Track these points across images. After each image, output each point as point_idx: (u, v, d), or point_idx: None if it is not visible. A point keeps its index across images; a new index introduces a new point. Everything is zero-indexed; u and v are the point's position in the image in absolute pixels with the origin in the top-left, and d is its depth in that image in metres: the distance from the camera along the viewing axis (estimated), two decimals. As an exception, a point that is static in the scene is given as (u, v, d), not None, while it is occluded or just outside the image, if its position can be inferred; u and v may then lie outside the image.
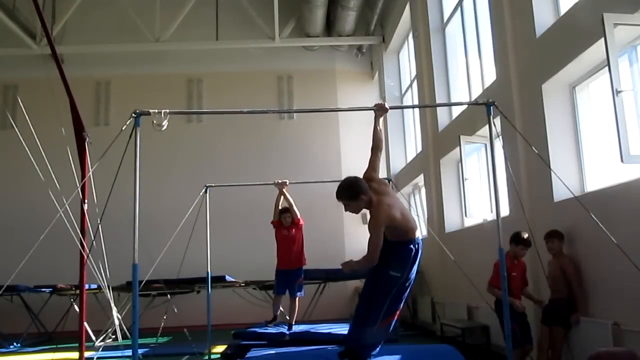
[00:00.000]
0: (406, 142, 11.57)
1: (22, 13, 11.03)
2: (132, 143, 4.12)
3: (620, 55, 4.32)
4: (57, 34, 11.37)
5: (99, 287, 7.16)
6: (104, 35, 12.12)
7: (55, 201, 5.92)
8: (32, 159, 6.77)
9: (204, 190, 7.05)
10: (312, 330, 7.09)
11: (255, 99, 12.31)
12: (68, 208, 5.10)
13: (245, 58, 12.52)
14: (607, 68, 4.18)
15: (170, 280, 8.07)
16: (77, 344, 5.50)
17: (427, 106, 9.30)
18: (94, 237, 5.30)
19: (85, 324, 5.70)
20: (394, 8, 11.11)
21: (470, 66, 8.11)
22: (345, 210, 4.02)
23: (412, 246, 4.07)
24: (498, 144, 5.04)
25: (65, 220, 5.50)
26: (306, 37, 12.27)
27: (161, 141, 10.77)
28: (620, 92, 4.03)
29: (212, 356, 6.91)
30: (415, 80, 10.26)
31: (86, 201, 5.55)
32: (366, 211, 4.10)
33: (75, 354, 5.61)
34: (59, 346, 7.97)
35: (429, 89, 8.98)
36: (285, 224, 7.09)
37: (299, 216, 7.08)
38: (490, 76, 6.93)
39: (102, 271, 6.72)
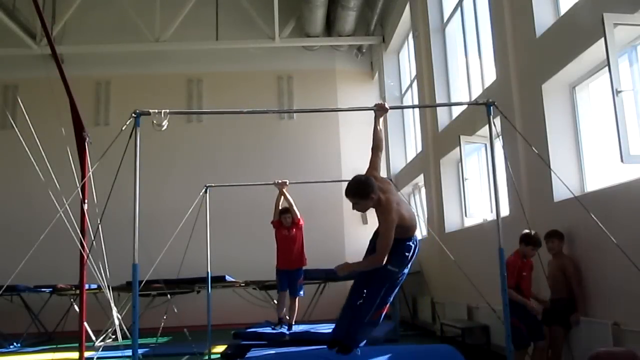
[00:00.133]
0: (406, 142, 11.57)
1: (22, 13, 11.03)
2: (132, 143, 4.12)
3: (620, 55, 4.32)
4: (57, 34, 11.37)
5: (99, 287, 7.17)
6: (104, 35, 12.12)
7: (55, 201, 5.93)
8: (32, 159, 6.78)
9: (204, 190, 7.05)
10: (312, 330, 7.08)
11: (255, 99, 12.31)
12: (68, 208, 5.11)
13: (245, 58, 12.52)
14: (607, 68, 4.18)
15: (170, 280, 8.08)
16: (77, 344, 5.50)
17: (427, 106, 9.30)
18: (94, 237, 5.30)
19: (85, 324, 5.71)
20: (394, 8, 11.11)
21: (470, 66, 8.11)
22: (353, 208, 4.01)
23: (411, 243, 4.10)
24: (498, 144, 5.04)
25: (65, 220, 5.51)
26: (306, 37, 12.27)
27: (161, 141, 10.76)
28: (620, 92, 4.03)
29: (212, 356, 6.91)
30: (415, 80, 10.26)
31: (86, 201, 5.55)
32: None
33: (75, 354, 5.61)
34: (59, 346, 7.96)
35: (429, 89, 8.98)
36: (286, 224, 7.09)
37: (299, 216, 7.08)
38: (490, 76, 6.93)
39: (102, 271, 6.72)
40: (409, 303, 9.82)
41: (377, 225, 3.99)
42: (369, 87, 12.92)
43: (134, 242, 4.00)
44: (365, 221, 11.29)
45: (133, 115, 4.14)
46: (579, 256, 4.97)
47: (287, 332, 6.83)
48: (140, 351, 5.03)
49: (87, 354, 5.77)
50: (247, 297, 9.98)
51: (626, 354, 3.72)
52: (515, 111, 5.91)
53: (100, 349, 6.47)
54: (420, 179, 10.00)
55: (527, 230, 5.03)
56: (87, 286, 6.41)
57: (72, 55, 11.77)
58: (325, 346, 6.29)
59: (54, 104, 6.26)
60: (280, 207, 7.14)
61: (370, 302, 4.08)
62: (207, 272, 7.29)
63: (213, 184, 7.26)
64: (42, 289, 9.65)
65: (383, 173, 6.69)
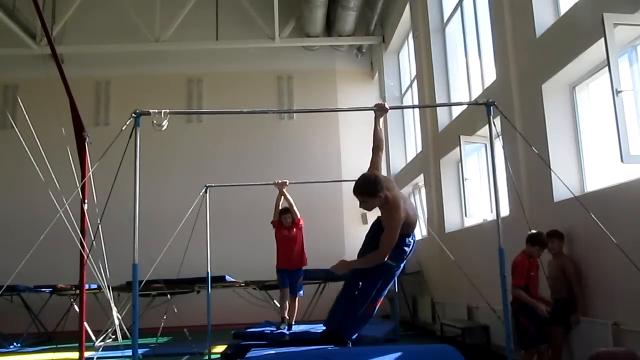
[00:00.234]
0: (406, 142, 11.57)
1: (22, 13, 11.03)
2: (132, 143, 4.12)
3: (620, 55, 4.32)
4: (57, 34, 11.37)
5: (99, 287, 7.17)
6: (104, 35, 12.12)
7: (55, 201, 5.93)
8: (32, 159, 6.77)
9: (204, 190, 7.04)
10: (312, 330, 7.07)
11: (255, 99, 12.31)
12: (68, 208, 5.10)
13: (245, 58, 12.52)
14: (607, 68, 4.18)
15: (170, 280, 8.07)
16: (77, 344, 5.50)
17: (427, 106, 9.30)
18: (94, 237, 5.30)
19: (85, 324, 5.71)
20: (394, 8, 11.11)
21: (470, 66, 8.11)
22: (360, 206, 4.04)
23: (410, 239, 4.19)
24: (498, 144, 5.04)
25: (65, 220, 5.50)
26: (306, 37, 12.27)
27: (161, 141, 10.77)
28: (620, 92, 4.03)
29: (212, 356, 6.90)
30: (415, 80, 10.26)
31: (86, 201, 5.55)
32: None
33: (75, 354, 5.61)
34: (59, 346, 7.95)
35: (429, 89, 8.98)
36: (286, 224, 7.08)
37: (299, 216, 7.08)
38: (490, 76, 6.93)
39: (102, 271, 6.72)
40: (409, 303, 9.82)
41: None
42: (369, 87, 12.92)
43: (134, 242, 3.99)
44: (365, 221, 11.28)
45: (133, 115, 4.14)
46: (579, 256, 4.97)
47: (287, 332, 6.83)
48: (140, 351, 5.03)
49: (87, 354, 5.77)
50: (247, 297, 9.98)
51: (626, 354, 3.71)
52: (515, 111, 5.91)
53: (100, 349, 6.47)
54: (420, 179, 10.00)
55: (534, 231, 5.01)
56: (87, 286, 6.41)
57: (72, 55, 11.77)
58: (325, 346, 6.33)
59: (54, 104, 6.26)
60: (280, 207, 7.13)
61: (365, 295, 4.12)
62: (207, 272, 7.29)
63: (213, 184, 7.26)
64: (42, 289, 9.65)
65: (383, 173, 6.68)
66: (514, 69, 6.09)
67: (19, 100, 9.62)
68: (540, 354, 5.04)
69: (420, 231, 10.14)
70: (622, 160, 4.02)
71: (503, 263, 4.14)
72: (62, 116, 5.91)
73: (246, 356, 5.52)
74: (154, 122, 4.17)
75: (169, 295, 7.67)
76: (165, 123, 4.17)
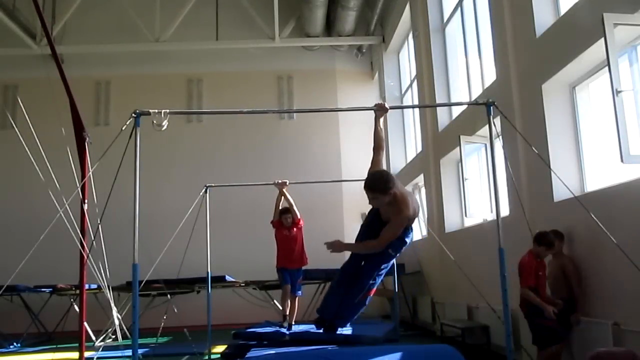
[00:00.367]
0: (406, 142, 11.57)
1: (22, 13, 11.03)
2: (132, 143, 4.11)
3: (620, 55, 4.32)
4: (57, 34, 11.37)
5: (99, 287, 7.16)
6: (104, 35, 12.13)
7: (55, 201, 5.93)
8: (32, 159, 6.77)
9: (204, 190, 7.04)
10: (312, 330, 7.07)
11: (255, 99, 12.31)
12: (68, 208, 5.10)
13: (245, 58, 12.52)
14: (607, 68, 4.18)
15: (170, 280, 8.07)
16: (77, 344, 5.50)
17: (427, 106, 9.30)
18: (94, 237, 5.30)
19: (85, 324, 5.71)
20: (394, 8, 11.11)
21: (470, 66, 8.11)
22: (370, 203, 4.07)
23: (410, 230, 4.26)
24: (498, 144, 5.04)
25: (65, 220, 5.50)
26: (306, 37, 12.27)
27: (161, 141, 10.77)
28: (620, 92, 4.03)
29: (212, 356, 6.90)
30: (415, 80, 10.27)
31: (86, 201, 5.55)
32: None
33: (75, 354, 5.61)
34: (59, 346, 7.95)
35: (429, 89, 8.98)
36: (286, 224, 7.09)
37: (299, 216, 7.08)
38: (490, 76, 6.94)
39: (102, 271, 6.72)
40: (409, 303, 9.82)
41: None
42: (369, 87, 12.92)
43: (134, 242, 3.99)
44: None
45: (133, 115, 4.13)
46: (579, 256, 4.97)
47: (287, 332, 6.83)
48: (140, 351, 5.04)
49: (87, 354, 5.77)
50: (247, 297, 9.98)
51: (626, 354, 3.71)
52: (515, 111, 5.92)
53: (100, 349, 6.47)
54: (420, 179, 10.00)
55: (541, 230, 4.98)
56: (87, 286, 6.41)
57: (72, 55, 11.77)
58: (325, 346, 6.33)
59: (54, 104, 6.26)
60: (280, 207, 7.14)
61: (364, 283, 4.20)
62: (207, 272, 7.29)
63: (213, 184, 7.26)
64: (42, 289, 9.65)
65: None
66: (514, 69, 6.09)
67: (19, 100, 9.62)
68: (557, 352, 5.01)
69: (420, 231, 10.15)
70: (622, 160, 4.02)
71: (503, 263, 4.13)
72: (62, 116, 5.91)
73: (246, 356, 5.52)
74: (154, 122, 4.17)
75: (169, 295, 7.67)
76: (165, 123, 4.17)
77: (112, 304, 7.26)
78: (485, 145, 7.29)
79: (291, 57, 12.69)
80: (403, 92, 11.66)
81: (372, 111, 4.49)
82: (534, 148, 4.59)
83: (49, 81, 6.28)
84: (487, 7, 6.86)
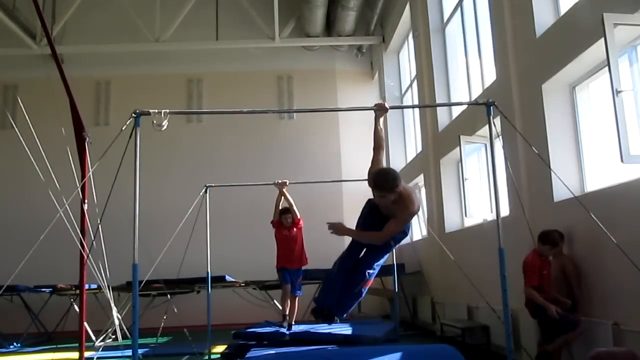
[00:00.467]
0: (406, 142, 11.57)
1: (22, 13, 11.03)
2: (132, 143, 4.12)
3: (620, 55, 4.32)
4: (57, 34, 11.37)
5: (99, 287, 7.17)
6: (104, 35, 12.12)
7: (55, 201, 5.93)
8: (32, 159, 6.78)
9: (204, 190, 7.04)
10: (312, 330, 7.08)
11: (255, 99, 12.31)
12: (68, 208, 5.11)
13: (245, 58, 12.52)
14: (607, 68, 4.18)
15: (170, 280, 8.08)
16: (77, 344, 5.50)
17: (427, 106, 9.29)
18: (94, 237, 5.30)
19: (85, 324, 5.71)
20: (394, 8, 11.11)
21: (470, 66, 8.11)
22: (377, 200, 4.08)
23: (410, 223, 4.39)
24: (498, 144, 5.04)
25: (65, 220, 5.51)
26: (306, 37, 12.27)
27: (161, 141, 10.77)
28: (620, 92, 4.03)
29: (212, 356, 6.90)
30: (415, 80, 10.26)
31: (86, 201, 5.55)
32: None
33: (75, 354, 5.61)
34: (59, 346, 7.95)
35: (429, 89, 8.98)
36: (286, 224, 7.09)
37: (299, 216, 7.09)
38: (490, 76, 6.93)
39: (102, 271, 6.72)
40: (409, 303, 9.82)
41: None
42: (369, 87, 12.91)
43: (134, 242, 3.99)
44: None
45: (133, 115, 4.14)
46: (579, 256, 4.96)
47: (287, 332, 6.83)
48: (140, 351, 5.04)
49: (87, 354, 5.77)
50: (247, 297, 9.98)
51: (626, 354, 3.72)
52: (515, 111, 5.91)
53: (100, 349, 6.47)
54: (420, 179, 10.00)
55: (546, 229, 4.97)
56: (87, 286, 6.41)
57: (72, 55, 11.76)
58: (325, 346, 6.33)
59: (54, 104, 6.26)
60: (280, 207, 7.14)
61: (364, 272, 4.29)
62: (207, 272, 7.29)
63: (213, 184, 7.26)
64: (42, 289, 9.65)
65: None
66: (514, 69, 6.09)
67: (19, 100, 9.63)
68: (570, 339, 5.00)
69: (420, 231, 10.15)
70: (622, 160, 4.02)
71: (503, 263, 4.14)
72: (62, 116, 5.91)
73: (246, 356, 5.52)
74: (154, 122, 4.17)
75: (169, 295, 7.67)
76: (165, 123, 4.17)
77: (112, 304, 7.26)
78: (485, 145, 7.29)
79: (291, 57, 12.69)
80: (403, 92, 11.66)
81: (372, 111, 4.49)
82: (534, 148, 4.59)
83: (49, 81, 6.28)
84: (487, 7, 6.85)
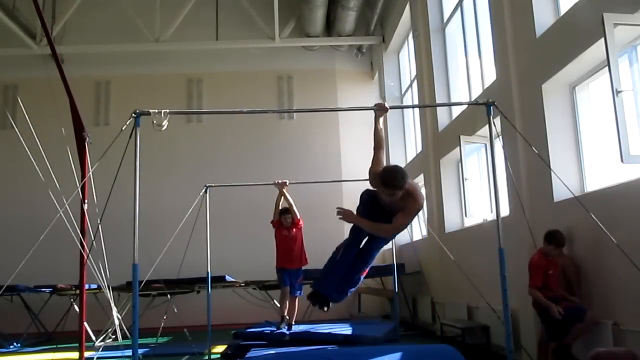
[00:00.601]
0: (406, 142, 11.57)
1: (22, 13, 11.03)
2: (132, 143, 4.12)
3: (620, 55, 4.32)
4: (57, 34, 11.37)
5: (99, 287, 7.17)
6: (104, 35, 12.12)
7: (55, 201, 5.93)
8: (32, 159, 6.78)
9: (204, 190, 7.05)
10: (312, 330, 7.09)
11: (255, 99, 12.32)
12: (68, 208, 5.11)
13: (245, 58, 12.52)
14: (607, 68, 4.18)
15: (170, 280, 8.08)
16: (77, 344, 5.51)
17: (427, 106, 9.29)
18: (94, 237, 5.30)
19: (85, 324, 5.71)
20: (394, 8, 11.11)
21: (470, 66, 8.10)
22: (389, 198, 4.09)
23: None
24: (498, 144, 5.04)
25: (65, 220, 5.51)
26: (306, 37, 12.27)
27: (161, 141, 10.78)
28: (620, 92, 4.03)
29: (212, 356, 6.90)
30: (415, 80, 10.26)
31: (86, 201, 5.55)
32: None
33: (75, 354, 5.61)
34: (59, 346, 7.96)
35: (429, 89, 8.98)
36: (286, 224, 7.09)
37: (299, 217, 7.09)
38: (490, 76, 6.93)
39: (102, 271, 6.72)
40: (409, 303, 9.82)
41: None
42: (369, 87, 12.91)
43: (134, 242, 3.99)
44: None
45: (133, 115, 4.14)
46: (579, 256, 4.96)
47: (287, 332, 6.83)
48: (140, 351, 5.04)
49: (87, 354, 5.77)
50: (247, 297, 9.98)
51: (626, 354, 3.72)
52: (515, 111, 5.91)
53: (100, 349, 6.47)
54: (420, 179, 9.99)
55: (552, 229, 4.94)
56: (87, 286, 6.41)
57: (72, 55, 11.77)
58: (325, 346, 6.33)
59: (54, 104, 6.27)
60: (280, 207, 7.14)
61: (367, 262, 4.43)
62: (207, 272, 7.29)
63: (213, 184, 7.26)
64: (42, 289, 9.65)
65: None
66: (514, 69, 6.09)
67: (19, 100, 9.64)
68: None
69: (420, 231, 10.14)
70: (622, 160, 4.02)
71: (503, 263, 4.14)
72: (62, 116, 5.92)
73: (246, 356, 5.53)
74: (154, 122, 4.17)
75: (169, 295, 7.67)
76: (165, 123, 4.17)
77: (112, 304, 7.26)
78: (485, 145, 7.29)
79: (291, 57, 12.69)
80: (403, 92, 11.66)
81: (372, 111, 4.49)
82: (534, 148, 4.59)
83: (49, 81, 6.29)
84: (487, 7, 6.85)
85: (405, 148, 11.58)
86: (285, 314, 7.06)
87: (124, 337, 7.73)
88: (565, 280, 4.94)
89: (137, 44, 11.82)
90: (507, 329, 4.09)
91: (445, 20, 8.98)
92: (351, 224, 4.46)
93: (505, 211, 5.86)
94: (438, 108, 8.78)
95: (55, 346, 8.06)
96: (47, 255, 7.17)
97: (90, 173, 5.25)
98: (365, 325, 8.19)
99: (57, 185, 6.50)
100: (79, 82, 9.16)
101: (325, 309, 4.51)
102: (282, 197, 7.10)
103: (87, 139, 5.73)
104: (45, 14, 9.27)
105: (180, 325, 7.32)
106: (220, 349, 7.29)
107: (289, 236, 7.08)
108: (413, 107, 11.21)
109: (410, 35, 10.43)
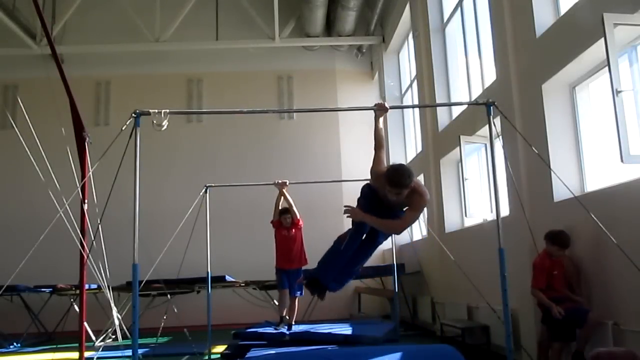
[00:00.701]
0: (406, 142, 11.57)
1: (22, 13, 11.03)
2: (132, 143, 4.12)
3: (620, 55, 4.32)
4: (57, 34, 11.37)
5: (99, 287, 7.17)
6: (104, 35, 12.12)
7: (55, 201, 5.93)
8: (32, 159, 6.78)
9: (204, 190, 7.05)
10: (312, 330, 7.09)
11: (255, 99, 12.31)
12: (68, 208, 5.11)
13: (245, 58, 12.52)
14: (607, 68, 4.18)
15: (170, 280, 8.08)
16: (77, 344, 5.51)
17: (427, 106, 9.29)
18: (94, 237, 5.30)
19: (85, 324, 5.71)
20: (394, 8, 11.11)
21: (470, 66, 8.10)
22: (395, 197, 4.08)
23: None
24: (498, 144, 5.04)
25: (65, 220, 5.51)
26: (306, 37, 12.27)
27: (161, 141, 10.77)
28: (620, 92, 4.03)
29: (212, 356, 6.91)
30: (415, 80, 10.26)
31: (86, 201, 5.56)
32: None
33: (75, 354, 5.61)
34: (59, 346, 7.96)
35: (429, 89, 8.98)
36: (285, 224, 7.09)
37: (298, 217, 7.09)
38: (490, 76, 6.93)
39: (102, 271, 6.73)
40: (409, 303, 9.82)
41: None
42: (369, 87, 12.91)
43: (134, 242, 3.99)
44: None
45: (133, 115, 4.14)
46: (579, 256, 4.96)
47: (287, 332, 6.83)
48: (140, 351, 5.04)
49: (87, 354, 5.77)
50: (247, 297, 9.99)
51: (626, 354, 3.72)
52: (515, 111, 5.91)
53: (100, 349, 6.48)
54: (420, 179, 9.99)
55: (557, 229, 4.92)
56: (87, 286, 6.41)
57: (72, 55, 11.77)
58: (325, 346, 6.33)
59: (54, 104, 6.27)
60: (280, 208, 7.14)
61: (368, 251, 4.47)
62: (207, 272, 7.29)
63: (213, 184, 7.26)
64: (42, 289, 9.65)
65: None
66: (514, 69, 6.09)
67: (19, 100, 9.64)
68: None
69: (420, 231, 10.14)
70: (622, 160, 4.02)
71: (503, 263, 4.14)
72: (62, 116, 5.92)
73: (246, 356, 5.53)
74: (154, 122, 4.17)
75: (169, 295, 7.67)
76: (165, 123, 4.17)
77: (112, 304, 7.26)
78: (485, 145, 7.29)
79: (291, 57, 12.69)
80: (403, 92, 11.66)
81: (372, 111, 4.49)
82: (534, 148, 4.59)
83: (49, 81, 6.29)
84: (487, 7, 6.85)
85: (405, 148, 11.58)
86: (285, 314, 7.05)
87: (124, 337, 7.74)
88: (565, 281, 4.94)
89: (137, 44, 11.82)
90: (507, 329, 4.09)
91: (445, 20, 8.98)
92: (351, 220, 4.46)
93: (505, 211, 5.86)
94: (438, 108, 8.78)
95: (55, 346, 8.07)
96: (47, 255, 7.17)
97: (90, 173, 5.25)
98: (365, 325, 8.19)
99: (57, 185, 6.50)
100: (79, 82, 9.16)
101: (322, 297, 4.56)
102: (282, 197, 7.10)
103: (87, 139, 5.73)
104: (45, 14, 9.27)
105: (180, 325, 7.31)
106: (220, 349, 7.29)
107: (288, 236, 7.08)
108: (413, 107, 11.21)
109: (410, 35, 10.43)
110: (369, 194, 4.36)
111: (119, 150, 4.07)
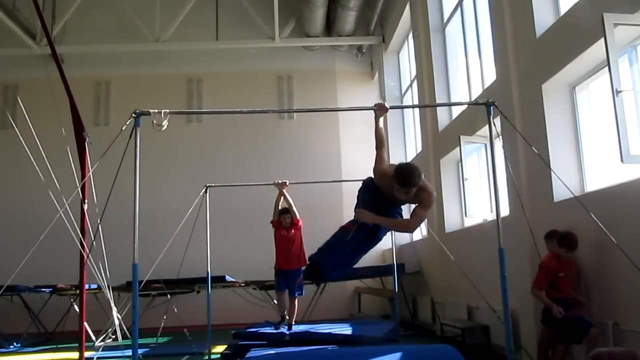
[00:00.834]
0: (406, 142, 11.57)
1: (22, 13, 11.03)
2: (132, 143, 4.12)
3: (620, 55, 4.32)
4: (57, 34, 11.37)
5: (99, 287, 7.16)
6: (104, 35, 12.13)
7: (55, 201, 5.93)
8: (32, 159, 6.78)
9: (204, 190, 7.05)
10: (312, 330, 7.08)
11: (255, 99, 12.31)
12: (68, 208, 5.11)
13: (245, 58, 12.52)
14: (607, 68, 4.18)
15: (170, 280, 8.08)
16: (77, 344, 5.51)
17: (427, 106, 9.29)
18: (94, 237, 5.30)
19: (85, 324, 5.71)
20: (394, 8, 11.11)
21: (470, 66, 8.10)
22: (404, 196, 4.07)
23: None
24: (498, 144, 5.04)
25: (65, 220, 5.51)
26: (306, 37, 12.27)
27: (161, 141, 10.76)
28: (620, 92, 4.03)
29: (212, 356, 6.91)
30: (415, 80, 10.26)
31: (86, 201, 5.56)
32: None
33: (75, 354, 5.61)
34: (59, 346, 7.96)
35: (429, 89, 8.98)
36: (285, 224, 7.09)
37: (298, 217, 7.08)
38: (490, 76, 6.93)
39: (102, 271, 6.72)
40: (409, 303, 9.82)
41: None
42: (369, 87, 12.91)
43: (134, 242, 3.99)
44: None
45: (133, 115, 4.14)
46: (579, 256, 4.96)
47: (287, 332, 6.83)
48: (140, 351, 5.04)
49: (87, 354, 5.77)
50: (247, 297, 9.98)
51: (626, 354, 3.71)
52: (515, 111, 5.91)
53: (100, 349, 6.48)
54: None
55: (565, 231, 4.88)
56: (87, 286, 6.41)
57: (72, 55, 11.77)
58: (325, 346, 6.33)
59: (54, 104, 6.27)
60: (280, 208, 7.14)
61: (372, 244, 4.45)
62: (207, 272, 7.29)
63: (213, 184, 7.26)
64: (42, 289, 9.65)
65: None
66: (514, 69, 6.09)
67: (19, 100, 9.63)
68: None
69: (420, 231, 10.14)
70: (622, 160, 4.02)
71: (503, 263, 4.14)
72: (62, 116, 5.92)
73: (246, 356, 5.52)
74: (154, 122, 4.17)
75: (169, 295, 7.67)
76: (165, 123, 4.17)
77: (112, 304, 7.25)
78: (485, 145, 7.29)
79: (291, 57, 12.69)
80: (403, 92, 11.66)
81: (372, 111, 4.48)
82: (534, 148, 4.59)
83: (49, 81, 6.29)
84: (487, 7, 6.85)
85: (405, 148, 11.58)
86: (285, 313, 7.05)
87: (124, 337, 7.73)
88: (572, 283, 4.92)
89: (137, 44, 11.82)
90: (507, 329, 4.09)
91: (445, 20, 8.98)
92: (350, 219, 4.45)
93: (505, 211, 5.86)
94: (438, 108, 8.78)
95: (55, 346, 8.07)
96: (47, 255, 7.17)
97: (90, 173, 5.25)
98: (365, 325, 8.19)
99: (57, 185, 6.49)
100: (79, 82, 9.17)
101: (318, 284, 4.59)
102: (282, 197, 7.10)
103: (87, 139, 5.73)
104: (45, 14, 9.27)
105: (180, 325, 7.31)
106: (220, 349, 7.29)
107: (288, 236, 7.07)
108: (413, 107, 11.21)
109: (410, 35, 10.43)
110: (372, 189, 4.34)
111: (119, 150, 4.07)
